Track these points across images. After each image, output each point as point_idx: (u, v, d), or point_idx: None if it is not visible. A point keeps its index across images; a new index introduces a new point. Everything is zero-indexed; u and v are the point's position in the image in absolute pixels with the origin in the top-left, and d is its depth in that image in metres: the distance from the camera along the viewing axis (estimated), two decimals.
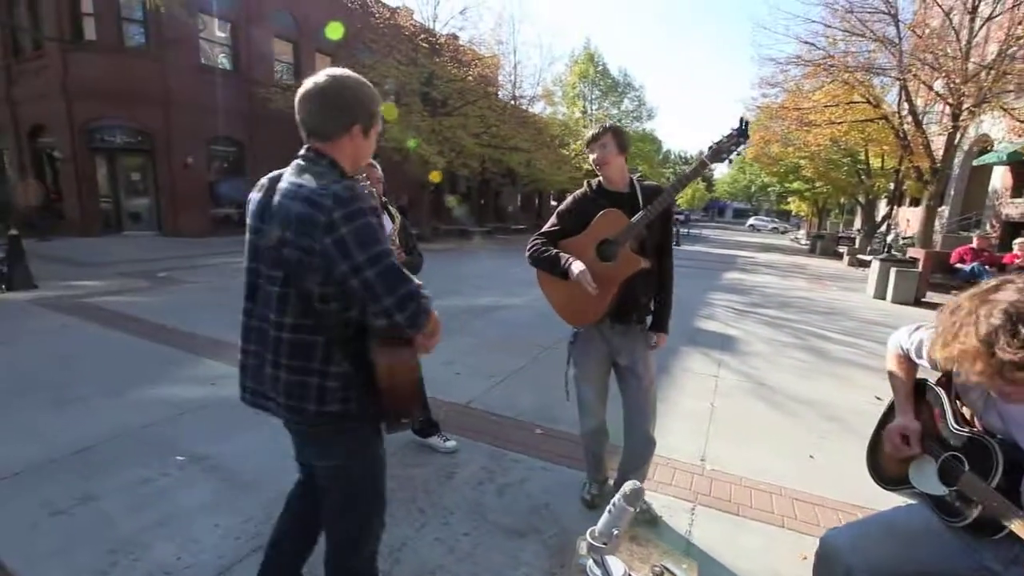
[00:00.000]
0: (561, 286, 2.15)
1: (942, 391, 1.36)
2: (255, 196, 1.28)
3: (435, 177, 16.16)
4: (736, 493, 2.60)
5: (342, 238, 1.10)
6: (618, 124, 2.20)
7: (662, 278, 2.21)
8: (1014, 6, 10.91)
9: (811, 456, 3.05)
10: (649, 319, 2.23)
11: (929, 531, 1.29)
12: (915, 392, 1.44)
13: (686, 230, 28.92)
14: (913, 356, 1.43)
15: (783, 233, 42.62)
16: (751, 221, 50.64)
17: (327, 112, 1.22)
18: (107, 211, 13.78)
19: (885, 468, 1.50)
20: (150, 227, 14.26)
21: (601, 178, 2.18)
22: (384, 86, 16.15)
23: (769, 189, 39.79)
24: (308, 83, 1.23)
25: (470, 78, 16.06)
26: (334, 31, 14.29)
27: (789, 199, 34.86)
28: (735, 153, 1.97)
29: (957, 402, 1.31)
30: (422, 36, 15.90)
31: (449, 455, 2.80)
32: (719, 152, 1.96)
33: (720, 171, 58.74)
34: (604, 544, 1.34)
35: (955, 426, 1.28)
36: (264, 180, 1.29)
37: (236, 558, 1.96)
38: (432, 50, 15.94)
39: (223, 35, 15.16)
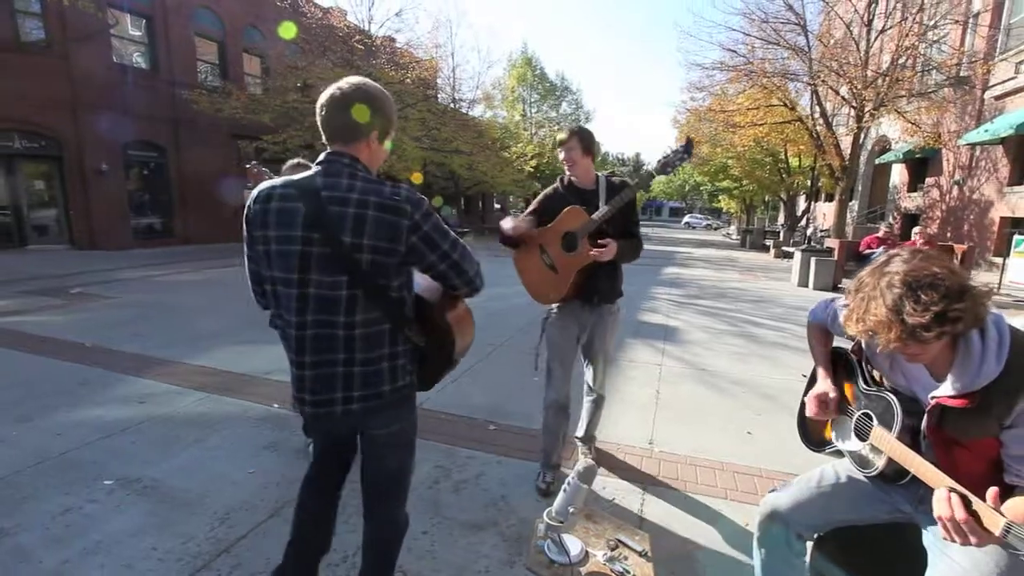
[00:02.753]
0: (532, 268, 2.42)
1: (854, 357, 1.51)
2: (292, 205, 1.24)
3: (416, 179, 16.29)
4: (683, 471, 2.74)
5: (427, 234, 1.29)
6: (584, 127, 2.40)
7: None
8: (901, 20, 12.17)
9: (749, 432, 3.26)
10: (618, 302, 2.50)
11: (850, 483, 1.43)
12: (833, 360, 1.60)
13: None
14: (829, 327, 1.58)
15: (716, 229, 45.05)
16: (686, 219, 53.24)
17: (351, 117, 1.29)
18: (7, 224, 12.45)
19: (812, 432, 1.64)
20: (60, 240, 13.02)
21: (571, 176, 2.39)
22: (319, 88, 15.62)
23: (701, 188, 41.91)
24: (333, 88, 1.30)
25: (408, 81, 15.84)
26: (287, 31, 13.75)
27: (719, 197, 36.90)
28: (678, 167, 2.34)
29: (867, 366, 1.46)
30: (357, 37, 15.55)
31: None
32: (667, 165, 2.30)
33: None
34: (560, 523, 1.39)
35: (865, 387, 1.43)
36: (289, 187, 1.26)
37: None
38: (368, 52, 15.61)
39: (138, 32, 14.13)
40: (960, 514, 1.01)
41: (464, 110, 20.48)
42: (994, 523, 0.96)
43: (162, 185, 14.78)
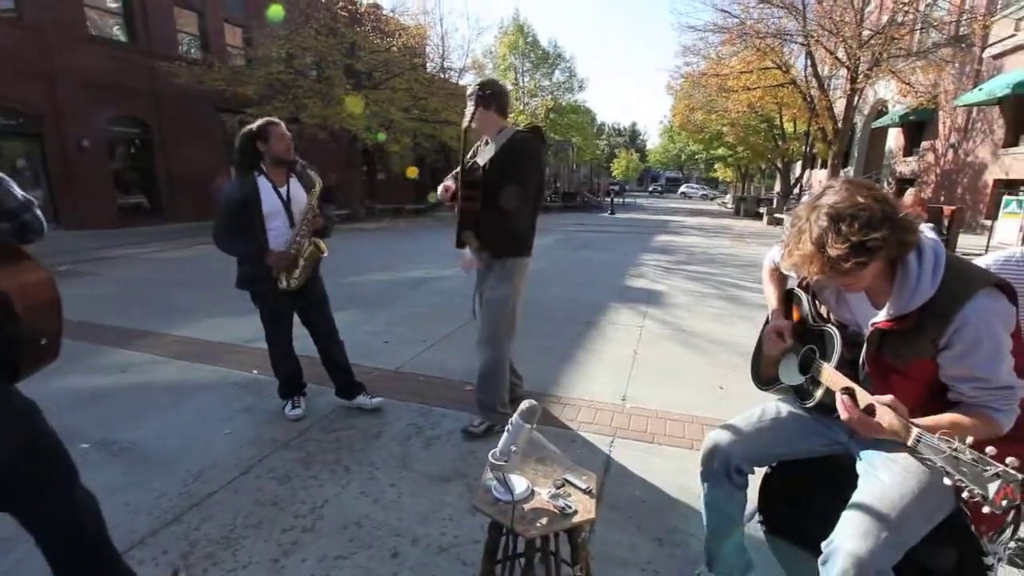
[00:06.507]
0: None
1: (803, 294, 1.52)
2: None
3: (412, 173, 16.18)
4: (652, 425, 2.79)
5: None
6: (487, 81, 2.53)
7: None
8: None
9: (721, 387, 3.31)
10: (507, 259, 2.56)
11: (791, 418, 1.47)
12: (786, 299, 1.61)
13: (620, 199, 29.63)
14: (782, 268, 1.59)
15: (712, 199, 44.73)
16: (682, 189, 52.85)
17: None
18: None
19: (764, 372, 1.68)
20: (47, 219, 12.80)
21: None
22: (304, 59, 15.24)
23: (697, 157, 41.46)
24: None
25: (395, 49, 15.43)
26: (275, 13, 13.20)
27: (715, 166, 36.53)
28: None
29: (815, 302, 1.47)
30: (340, 4, 15.06)
31: (376, 415, 2.81)
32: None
33: (652, 141, 60.54)
34: (505, 462, 1.42)
35: (812, 323, 1.45)
36: None
37: (149, 531, 1.90)
38: (353, 19, 15.14)
39: (115, 4, 13.67)
40: (855, 413, 1.10)
41: (454, 79, 20.00)
42: (905, 432, 1.02)
43: (148, 162, 14.53)
